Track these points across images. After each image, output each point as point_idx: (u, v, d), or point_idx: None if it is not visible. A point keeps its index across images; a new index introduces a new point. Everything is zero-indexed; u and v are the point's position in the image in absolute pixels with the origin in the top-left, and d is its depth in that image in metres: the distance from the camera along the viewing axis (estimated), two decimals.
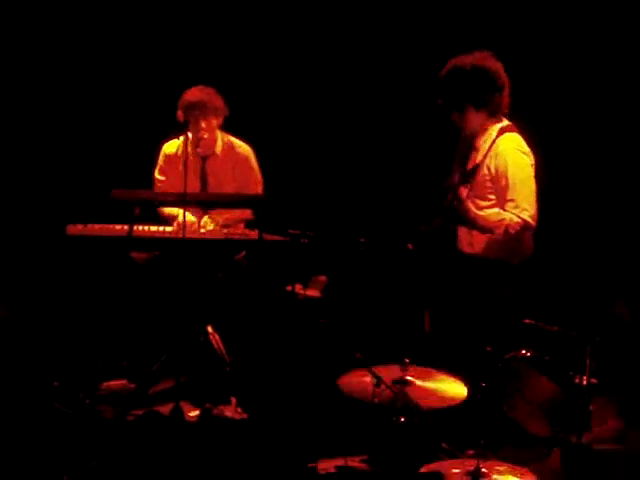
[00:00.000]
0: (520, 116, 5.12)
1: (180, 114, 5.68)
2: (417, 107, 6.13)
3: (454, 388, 4.26)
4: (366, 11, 6.61)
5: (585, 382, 4.21)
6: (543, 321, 4.32)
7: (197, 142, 5.90)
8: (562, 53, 6.24)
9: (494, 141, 4.98)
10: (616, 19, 6.17)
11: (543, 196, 5.03)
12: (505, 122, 5.05)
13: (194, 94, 5.82)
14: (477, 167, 5.00)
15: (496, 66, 5.00)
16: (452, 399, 4.24)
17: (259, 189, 6.02)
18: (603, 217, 6.05)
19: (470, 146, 5.05)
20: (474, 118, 5.01)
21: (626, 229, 5.88)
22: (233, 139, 6.04)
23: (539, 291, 5.26)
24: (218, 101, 5.86)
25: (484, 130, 5.02)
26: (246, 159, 6.02)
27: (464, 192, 4.98)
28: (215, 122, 5.89)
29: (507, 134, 5.00)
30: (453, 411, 4.30)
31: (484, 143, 5.01)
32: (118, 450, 4.93)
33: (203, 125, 5.83)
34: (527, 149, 5.01)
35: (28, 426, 5.09)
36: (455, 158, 5.10)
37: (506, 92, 5.02)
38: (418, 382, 4.23)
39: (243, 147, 6.04)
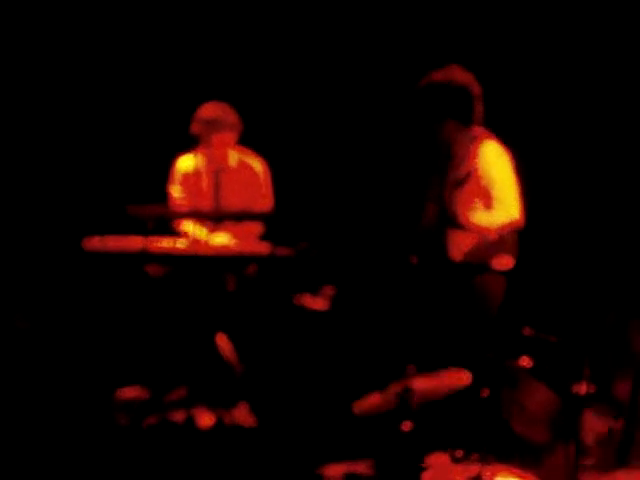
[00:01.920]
0: (495, 123, 5.29)
1: (195, 129, 5.78)
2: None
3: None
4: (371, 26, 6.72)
5: (583, 391, 4.30)
6: (539, 329, 4.41)
7: (211, 157, 5.99)
8: (538, 53, 6.37)
9: (474, 148, 5.18)
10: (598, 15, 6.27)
11: (532, 203, 5.24)
12: (479, 129, 5.24)
13: (209, 110, 5.90)
14: (459, 174, 5.19)
15: (469, 77, 5.21)
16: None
17: (269, 204, 6.11)
18: (596, 225, 6.17)
19: (449, 155, 5.25)
20: (451, 129, 5.21)
21: (621, 237, 5.98)
22: (246, 153, 6.11)
23: (535, 299, 5.40)
24: (233, 117, 5.93)
25: (461, 139, 5.22)
26: (258, 173, 6.09)
27: (452, 198, 5.17)
28: (230, 137, 5.96)
29: (485, 141, 5.21)
30: (455, 416, 4.42)
31: (463, 151, 5.20)
32: (133, 458, 5.05)
33: (218, 141, 5.92)
34: (505, 153, 5.22)
35: (46, 434, 5.21)
36: (433, 168, 5.31)
37: (480, 101, 5.22)
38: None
39: (256, 161, 6.12)
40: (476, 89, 5.21)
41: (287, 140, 6.75)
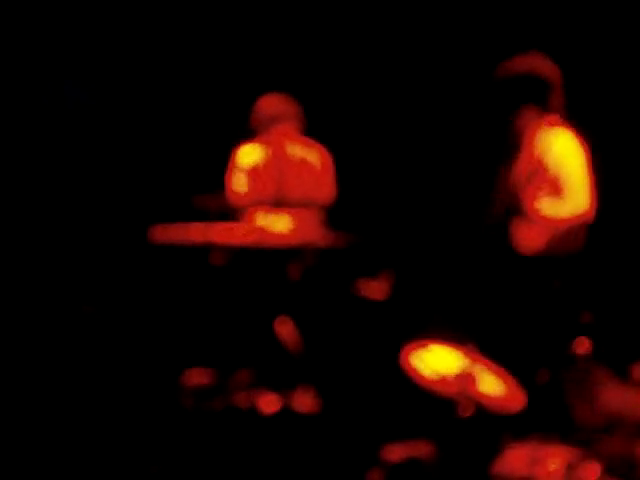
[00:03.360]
0: (575, 113, 5.19)
1: (255, 123, 5.84)
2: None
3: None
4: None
5: None
6: (600, 314, 4.42)
7: (272, 147, 6.03)
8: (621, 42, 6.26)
9: (547, 136, 5.08)
10: None
11: (605, 195, 5.12)
12: (555, 116, 5.13)
13: (270, 103, 5.96)
14: (531, 165, 5.10)
15: (551, 66, 5.09)
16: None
17: (331, 193, 6.16)
18: None
19: (520, 145, 5.16)
20: (527, 116, 5.10)
21: None
22: (308, 144, 6.14)
23: (597, 284, 5.36)
24: (293, 108, 5.98)
25: (536, 126, 5.11)
26: (319, 163, 6.14)
27: (522, 187, 5.09)
28: (291, 128, 6.01)
29: (559, 128, 5.10)
30: None
31: (536, 139, 5.10)
32: (197, 442, 5.15)
33: (279, 132, 5.97)
34: (579, 142, 5.10)
35: (111, 418, 5.33)
36: (504, 158, 5.23)
37: (560, 90, 5.11)
38: None
39: (317, 151, 6.15)
40: (557, 79, 5.09)
41: (349, 128, 6.76)
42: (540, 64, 5.09)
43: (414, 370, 4.52)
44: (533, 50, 5.13)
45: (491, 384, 4.43)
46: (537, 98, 5.07)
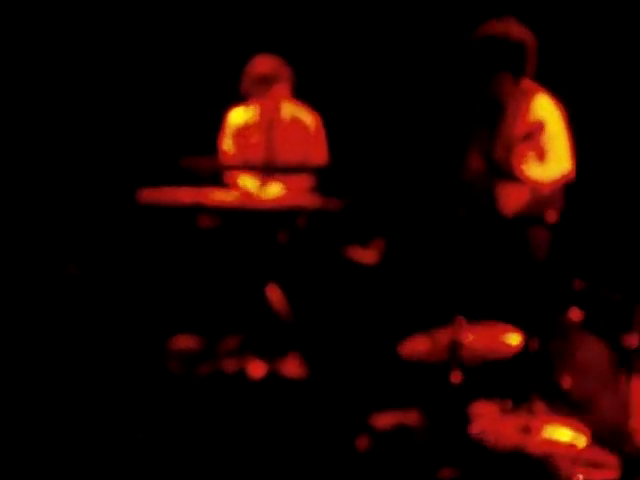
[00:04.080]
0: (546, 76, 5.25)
1: (247, 85, 5.79)
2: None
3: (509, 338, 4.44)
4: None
5: (634, 342, 4.28)
6: (590, 281, 4.40)
7: (264, 110, 5.99)
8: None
9: (527, 101, 5.14)
10: None
11: (582, 155, 5.22)
12: (532, 83, 5.20)
13: (261, 65, 5.88)
14: (517, 129, 5.14)
15: (525, 31, 5.15)
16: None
17: (322, 157, 6.12)
18: None
19: (499, 108, 5.21)
20: (504, 82, 5.16)
21: None
22: (299, 107, 6.10)
23: (586, 252, 5.38)
24: (285, 70, 5.91)
25: (513, 92, 5.17)
26: (311, 127, 6.09)
27: (507, 153, 5.14)
28: (283, 91, 5.94)
29: (538, 94, 5.18)
30: (504, 366, 4.44)
31: (516, 105, 5.17)
32: (185, 407, 5.13)
33: (271, 94, 5.90)
34: (558, 107, 5.18)
35: (97, 379, 5.31)
36: (481, 120, 5.27)
37: (534, 55, 5.16)
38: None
39: (309, 115, 6.11)
40: (531, 43, 5.15)
41: (337, 93, 6.72)
42: (515, 28, 5.13)
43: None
44: (508, 16, 5.17)
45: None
46: (513, 63, 5.12)
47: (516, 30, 5.14)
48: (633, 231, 5.87)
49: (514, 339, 4.52)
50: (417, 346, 4.59)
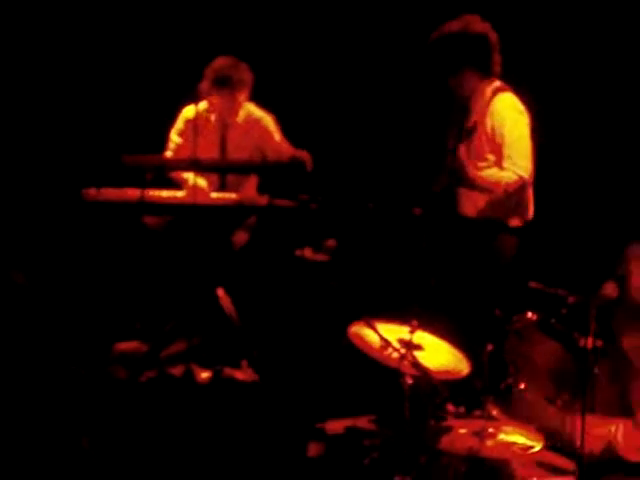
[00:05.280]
0: (512, 76, 5.21)
1: (206, 86, 5.73)
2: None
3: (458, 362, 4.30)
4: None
5: (590, 344, 4.25)
6: (546, 283, 4.37)
7: (219, 110, 5.93)
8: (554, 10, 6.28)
9: (489, 101, 5.08)
10: None
11: (543, 157, 5.16)
12: (498, 82, 5.15)
13: (220, 67, 5.83)
14: (474, 127, 5.09)
15: (486, 28, 5.10)
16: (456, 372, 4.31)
17: (277, 157, 5.99)
18: (611, 180, 6.11)
19: (465, 108, 5.14)
20: (469, 80, 5.11)
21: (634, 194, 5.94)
22: (255, 109, 6.05)
23: (542, 253, 5.35)
24: (244, 73, 5.86)
25: (479, 91, 5.12)
26: (266, 129, 6.03)
27: (463, 153, 5.07)
28: (240, 94, 5.89)
29: (502, 94, 5.11)
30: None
31: (479, 104, 5.10)
32: (130, 412, 5.04)
33: (228, 96, 5.85)
34: (522, 108, 5.11)
35: (43, 388, 5.19)
36: (450, 121, 5.19)
37: (497, 52, 5.12)
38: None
39: (264, 117, 6.05)
40: (493, 38, 5.10)
41: (295, 93, 6.64)
42: (474, 24, 5.09)
43: (359, 337, 4.43)
44: (464, 14, 5.13)
45: (435, 350, 4.35)
46: (475, 58, 5.07)
47: (475, 25, 5.08)
48: (587, 232, 5.89)
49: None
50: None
